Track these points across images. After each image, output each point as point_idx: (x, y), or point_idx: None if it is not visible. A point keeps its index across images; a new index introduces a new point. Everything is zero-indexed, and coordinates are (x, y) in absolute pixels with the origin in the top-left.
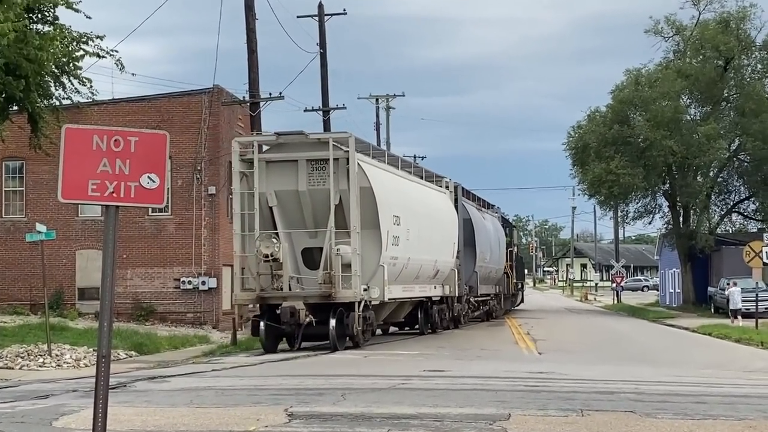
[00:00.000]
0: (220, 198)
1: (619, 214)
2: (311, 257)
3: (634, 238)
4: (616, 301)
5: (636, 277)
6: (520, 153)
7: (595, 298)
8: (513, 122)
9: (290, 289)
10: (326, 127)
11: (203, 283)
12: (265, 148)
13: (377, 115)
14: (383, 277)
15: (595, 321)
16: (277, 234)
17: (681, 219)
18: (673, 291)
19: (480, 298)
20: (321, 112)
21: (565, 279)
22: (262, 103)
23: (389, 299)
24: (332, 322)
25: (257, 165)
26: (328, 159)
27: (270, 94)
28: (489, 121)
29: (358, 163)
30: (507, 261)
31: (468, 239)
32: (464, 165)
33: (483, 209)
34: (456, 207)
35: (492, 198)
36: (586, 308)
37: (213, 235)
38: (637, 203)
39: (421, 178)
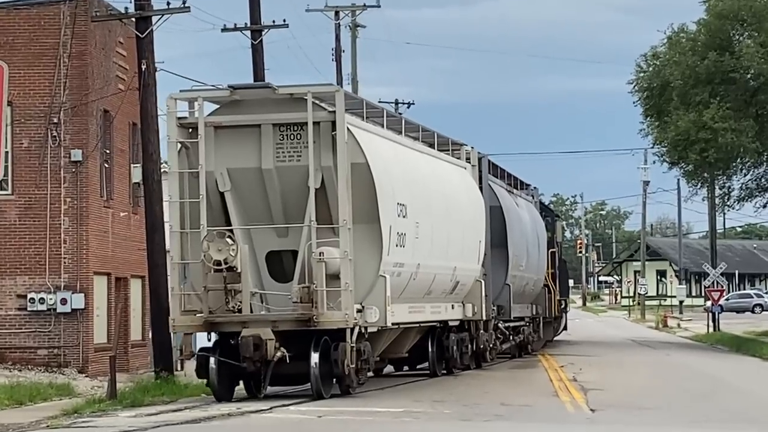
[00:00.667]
0: (89, 167)
1: (718, 192)
2: (279, 265)
3: (740, 230)
4: (711, 329)
5: (744, 291)
6: (560, 98)
7: (679, 324)
8: (549, 48)
9: (252, 311)
10: (257, 56)
11: (63, 301)
12: (201, 103)
13: (337, 38)
14: (384, 292)
15: (678, 360)
16: (231, 231)
17: None
18: None
19: (512, 323)
20: (249, 33)
21: (632, 294)
22: (156, 18)
23: (392, 324)
24: (314, 358)
25: (202, 132)
26: (306, 123)
27: (168, 3)
28: (511, 47)
29: (349, 129)
30: (548, 268)
31: (497, 237)
32: (473, 117)
33: (515, 191)
34: (481, 189)
35: (518, 169)
36: (664, 339)
37: (79, 226)
38: (746, 175)
39: (432, 146)
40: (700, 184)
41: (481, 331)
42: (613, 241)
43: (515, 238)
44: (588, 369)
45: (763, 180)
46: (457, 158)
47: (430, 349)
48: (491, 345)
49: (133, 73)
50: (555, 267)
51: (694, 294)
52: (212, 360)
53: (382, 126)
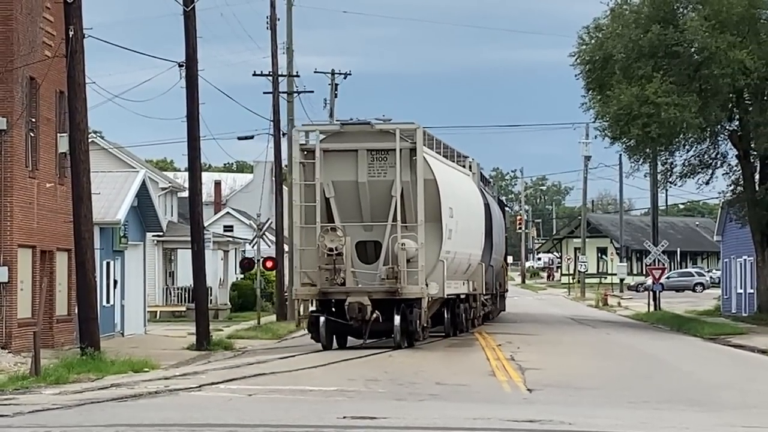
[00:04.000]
0: (14, 136)
1: (660, 168)
2: (365, 251)
3: (682, 207)
4: (652, 308)
5: (685, 270)
6: (501, 69)
7: (619, 303)
8: (490, 18)
9: (354, 284)
10: (189, 23)
11: None
12: (321, 136)
13: (272, 6)
14: (443, 272)
15: (618, 339)
16: (340, 227)
17: (757, 177)
18: (742, 291)
19: (486, 297)
20: (182, 0)
21: (572, 272)
22: None
23: (448, 295)
24: (397, 319)
25: (318, 155)
26: (390, 150)
27: None
28: (450, 16)
29: (424, 156)
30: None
31: (486, 228)
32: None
33: (486, 188)
34: (481, 192)
35: (457, 142)
36: (605, 318)
37: (2, 197)
38: (689, 151)
39: (451, 159)
40: (642, 160)
41: (478, 304)
42: (554, 217)
43: (496, 229)
44: (526, 348)
45: (705, 156)
46: (463, 166)
47: (446, 316)
48: (480, 314)
49: (61, 40)
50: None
51: (635, 272)
52: (322, 319)
53: (431, 147)
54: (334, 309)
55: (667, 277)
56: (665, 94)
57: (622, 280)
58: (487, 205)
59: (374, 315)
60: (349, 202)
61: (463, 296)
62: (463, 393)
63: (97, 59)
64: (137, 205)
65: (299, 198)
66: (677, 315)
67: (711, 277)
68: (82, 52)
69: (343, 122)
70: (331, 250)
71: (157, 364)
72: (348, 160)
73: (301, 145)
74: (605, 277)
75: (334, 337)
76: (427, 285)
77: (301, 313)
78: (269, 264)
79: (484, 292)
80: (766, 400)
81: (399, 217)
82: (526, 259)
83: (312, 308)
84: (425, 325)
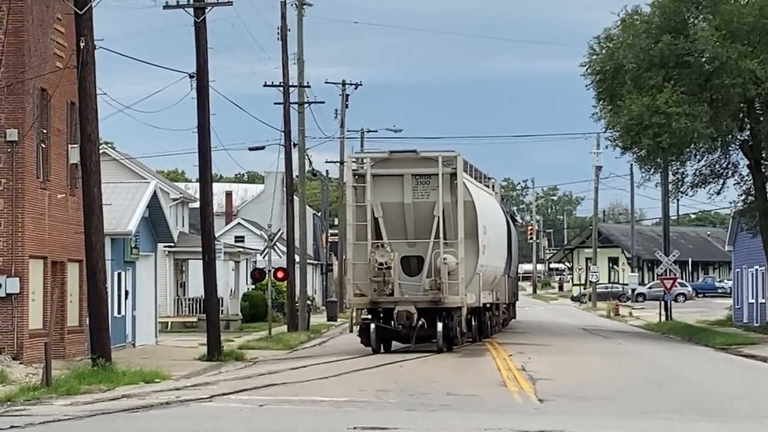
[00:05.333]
0: (26, 147)
1: (671, 178)
2: (408, 265)
3: (694, 217)
4: (664, 318)
5: (702, 281)
6: (512, 79)
7: (630, 313)
8: (501, 28)
9: (401, 294)
10: (200, 34)
11: None
12: (365, 161)
13: (283, 17)
14: (479, 284)
15: (629, 349)
16: (389, 244)
17: None
18: (754, 301)
19: (505, 306)
20: (192, 11)
21: (584, 282)
22: None
23: (481, 304)
24: (439, 326)
25: (369, 180)
26: (433, 175)
27: None
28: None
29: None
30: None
31: (508, 243)
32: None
33: (503, 205)
34: (502, 210)
35: (467, 152)
36: (616, 328)
37: (14, 208)
38: (700, 161)
39: (479, 180)
40: (653, 170)
41: (499, 312)
42: (565, 227)
43: (512, 244)
44: (537, 358)
45: (716, 166)
46: (488, 187)
47: (473, 323)
48: (500, 321)
49: (72, 51)
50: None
51: (646, 282)
52: (372, 325)
53: (464, 171)
54: (381, 316)
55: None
56: (676, 104)
57: (633, 290)
58: (507, 222)
59: (420, 322)
60: (395, 221)
61: (488, 305)
62: (474, 403)
63: (108, 70)
64: (148, 216)
65: (352, 218)
66: (688, 325)
67: (721, 285)
68: (93, 64)
69: (392, 150)
70: (381, 264)
71: (169, 375)
72: (395, 183)
73: (353, 170)
74: (616, 287)
75: (383, 342)
76: (465, 295)
77: (354, 320)
78: (280, 275)
79: (505, 301)
80: None
81: (441, 235)
82: (537, 270)
83: (363, 316)
84: (464, 331)
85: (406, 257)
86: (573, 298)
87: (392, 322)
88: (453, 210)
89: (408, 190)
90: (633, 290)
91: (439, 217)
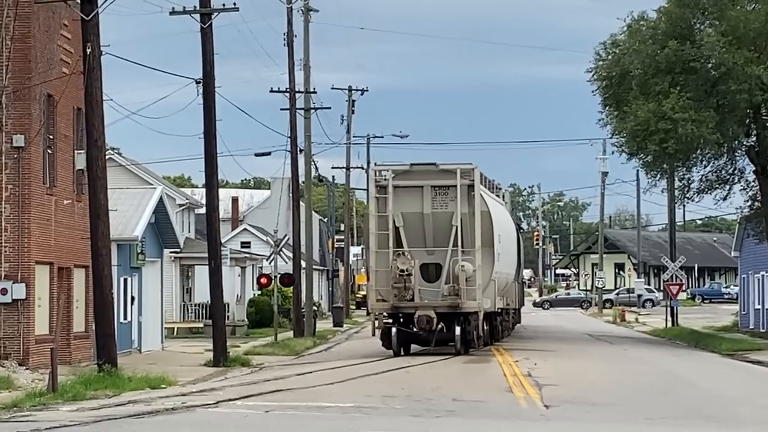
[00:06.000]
0: (32, 153)
1: (678, 184)
2: (427, 271)
3: (700, 222)
4: (670, 324)
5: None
6: (518, 85)
7: (636, 318)
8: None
9: (420, 300)
10: (206, 40)
11: (3, 291)
12: (386, 173)
13: (289, 23)
14: (494, 290)
15: (635, 355)
16: (409, 252)
17: None
18: (760, 307)
19: (513, 310)
20: (199, 17)
21: (589, 287)
22: (101, 0)
23: (497, 309)
24: (458, 330)
25: (391, 190)
26: (451, 186)
27: None
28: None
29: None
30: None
31: (517, 250)
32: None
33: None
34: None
35: (474, 157)
36: (622, 334)
37: (20, 213)
38: (706, 167)
39: (491, 190)
40: (659, 176)
41: (509, 317)
42: (571, 233)
43: (520, 250)
44: (543, 364)
45: (723, 172)
46: (498, 197)
47: (484, 327)
48: (510, 325)
49: (78, 57)
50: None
51: (652, 287)
52: (393, 329)
53: (480, 182)
54: (402, 320)
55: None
56: (682, 110)
57: (639, 296)
58: (516, 230)
59: (440, 326)
60: (415, 230)
61: (499, 310)
62: (480, 409)
63: (114, 76)
64: (154, 222)
65: (374, 227)
66: (695, 331)
67: (727, 291)
68: (99, 69)
69: (412, 163)
70: (402, 271)
71: (175, 381)
72: (415, 194)
73: (376, 181)
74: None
75: (403, 346)
76: (482, 300)
77: (377, 325)
78: (286, 280)
79: (515, 307)
80: None
81: (459, 243)
82: (543, 276)
83: (385, 320)
84: (480, 334)
85: (425, 264)
86: (535, 304)
87: (412, 326)
88: (470, 220)
89: (427, 200)
90: (639, 296)
91: (457, 227)
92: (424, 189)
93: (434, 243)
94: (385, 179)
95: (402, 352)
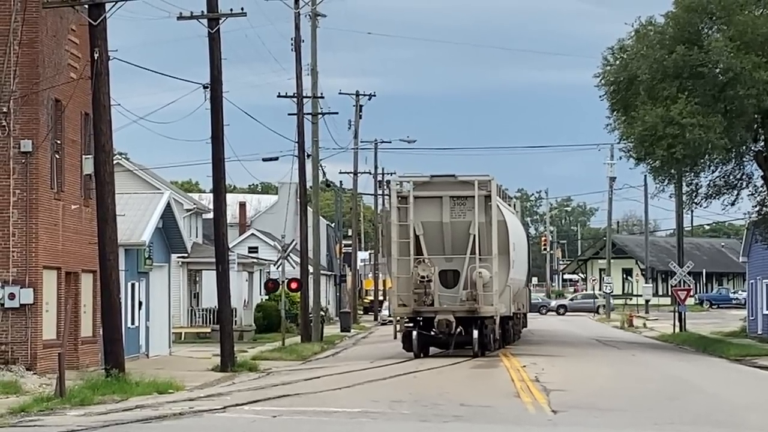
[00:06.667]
0: (40, 158)
1: (686, 189)
2: (445, 278)
3: (708, 228)
4: (678, 329)
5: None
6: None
7: (644, 324)
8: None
9: (440, 305)
10: (214, 45)
11: (11, 296)
12: (407, 184)
13: (297, 28)
14: (509, 295)
15: (643, 360)
16: (429, 259)
17: None
18: None
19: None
20: (206, 22)
21: (598, 292)
22: (109, 5)
23: (512, 313)
24: (475, 333)
25: (411, 201)
26: (469, 197)
27: None
28: (475, 37)
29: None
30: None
31: (528, 257)
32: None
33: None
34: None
35: (481, 163)
36: (630, 339)
37: (28, 218)
38: (714, 172)
39: (504, 199)
40: (667, 181)
41: (519, 321)
42: (579, 238)
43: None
44: (550, 369)
45: (731, 177)
46: (510, 206)
47: (497, 330)
48: (520, 329)
49: (86, 62)
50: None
51: (660, 293)
52: (414, 333)
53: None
54: (422, 324)
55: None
56: (690, 115)
57: (647, 301)
58: (526, 237)
59: (458, 329)
60: (434, 239)
61: (512, 314)
62: (487, 414)
63: (122, 81)
64: (162, 227)
65: (396, 235)
66: (702, 336)
67: (735, 296)
68: (107, 74)
69: (432, 175)
70: (423, 277)
71: (182, 386)
72: (434, 204)
73: (397, 192)
74: (630, 298)
75: (424, 348)
76: (498, 305)
77: (398, 328)
78: (294, 285)
79: (524, 311)
80: None
81: (477, 251)
82: (551, 281)
83: (407, 325)
84: (497, 337)
85: (443, 271)
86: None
87: (432, 330)
88: (487, 229)
89: (446, 210)
90: (647, 301)
91: (474, 235)
92: (443, 199)
93: (452, 251)
94: (406, 190)
95: (422, 355)
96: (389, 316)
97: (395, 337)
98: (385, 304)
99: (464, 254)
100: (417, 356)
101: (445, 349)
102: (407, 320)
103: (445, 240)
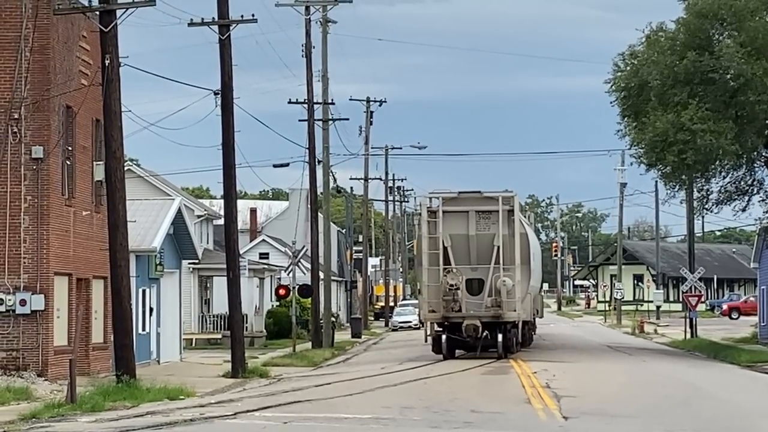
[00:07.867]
0: (51, 164)
1: (696, 195)
2: (471, 286)
3: (719, 234)
4: (689, 335)
5: (727, 298)
6: (536, 96)
7: (655, 330)
8: (525, 45)
9: (467, 311)
10: (224, 51)
11: (23, 302)
12: (436, 200)
13: (308, 34)
14: (531, 302)
15: (654, 366)
16: (456, 269)
17: None
18: None
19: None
20: (217, 28)
21: (608, 298)
22: (120, 12)
23: (530, 318)
24: (500, 337)
25: (440, 215)
26: (494, 211)
27: None
28: (486, 44)
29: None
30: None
31: (542, 265)
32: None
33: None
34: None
35: (492, 170)
36: (641, 345)
37: (39, 225)
38: (725, 178)
39: (520, 211)
40: (678, 187)
41: (534, 325)
42: (590, 244)
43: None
44: (562, 375)
45: (741, 183)
46: (525, 216)
47: (519, 334)
48: (533, 333)
49: (97, 68)
50: None
51: (671, 299)
52: (443, 337)
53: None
54: (450, 329)
55: (712, 306)
56: (701, 121)
57: (658, 307)
58: (539, 246)
59: (484, 333)
60: (461, 250)
61: (530, 319)
62: (498, 421)
63: (133, 87)
64: (173, 233)
65: (426, 247)
66: (714, 342)
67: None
68: (118, 81)
69: (460, 191)
70: (451, 285)
71: (193, 392)
72: (461, 218)
73: (427, 207)
74: (641, 304)
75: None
76: (520, 311)
77: (428, 333)
78: (304, 291)
79: (539, 316)
80: None
81: (501, 261)
82: (562, 287)
83: (437, 329)
84: (519, 340)
85: (469, 280)
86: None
87: (459, 334)
88: (510, 241)
89: (472, 223)
90: (658, 307)
91: (498, 247)
92: (470, 214)
93: (478, 261)
94: (435, 205)
95: (450, 357)
96: (403, 322)
97: (426, 341)
98: (396, 309)
99: (489, 264)
100: (446, 358)
101: (473, 352)
102: (437, 325)
103: (471, 251)
